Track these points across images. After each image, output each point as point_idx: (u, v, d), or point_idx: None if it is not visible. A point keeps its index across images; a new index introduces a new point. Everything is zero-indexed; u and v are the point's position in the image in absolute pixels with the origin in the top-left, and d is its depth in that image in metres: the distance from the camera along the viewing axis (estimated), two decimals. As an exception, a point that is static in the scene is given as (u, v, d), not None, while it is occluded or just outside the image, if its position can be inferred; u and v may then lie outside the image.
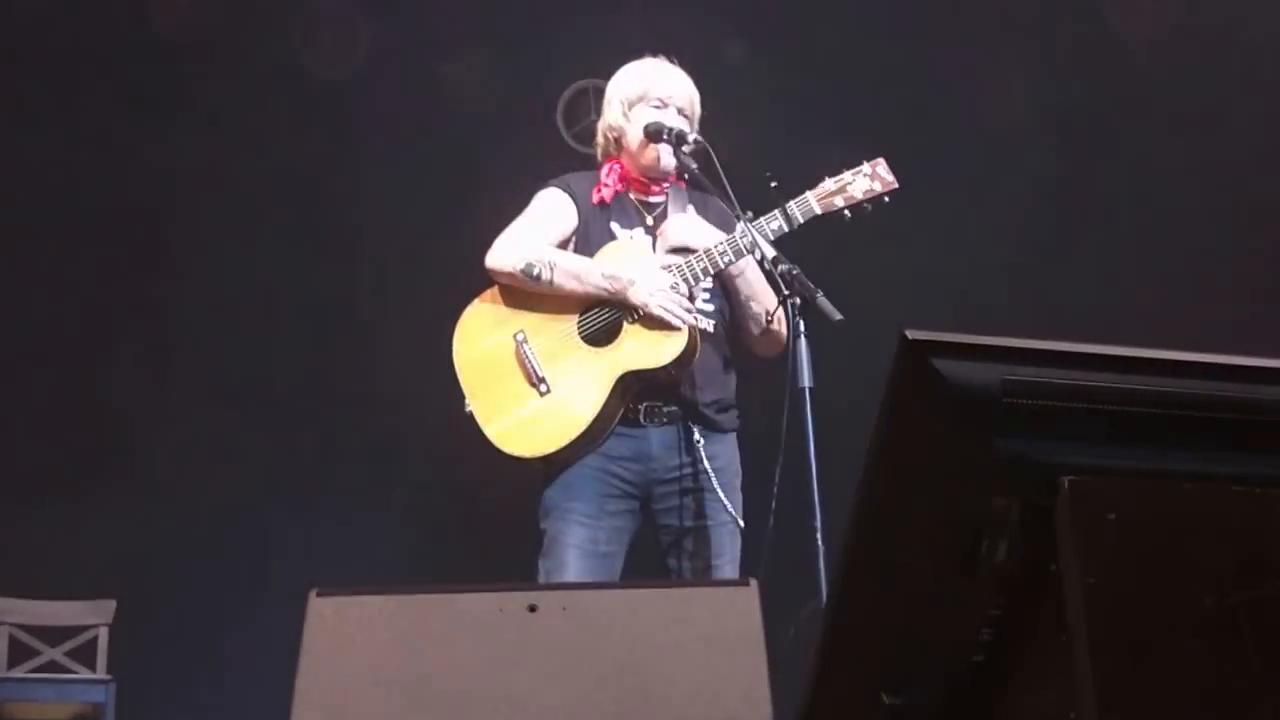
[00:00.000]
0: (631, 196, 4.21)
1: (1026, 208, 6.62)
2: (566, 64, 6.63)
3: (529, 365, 4.02)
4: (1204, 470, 1.47)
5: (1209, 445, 1.49)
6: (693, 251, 4.05)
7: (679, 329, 3.97)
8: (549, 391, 3.99)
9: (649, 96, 4.17)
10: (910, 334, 1.55)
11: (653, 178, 4.20)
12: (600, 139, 4.31)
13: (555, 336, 4.05)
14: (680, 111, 4.16)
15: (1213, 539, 1.45)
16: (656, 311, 3.96)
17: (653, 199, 4.23)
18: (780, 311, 3.91)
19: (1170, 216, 6.53)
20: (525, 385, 4.02)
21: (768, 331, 4.12)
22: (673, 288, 3.98)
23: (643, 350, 3.99)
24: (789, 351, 3.71)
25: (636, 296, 3.97)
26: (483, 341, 4.11)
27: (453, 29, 6.95)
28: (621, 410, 4.01)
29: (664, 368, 3.97)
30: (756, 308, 4.15)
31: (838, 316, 3.60)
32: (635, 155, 4.18)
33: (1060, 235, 6.65)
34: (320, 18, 6.78)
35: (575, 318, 4.07)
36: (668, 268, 4.02)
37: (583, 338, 4.05)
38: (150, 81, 6.77)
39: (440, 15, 6.91)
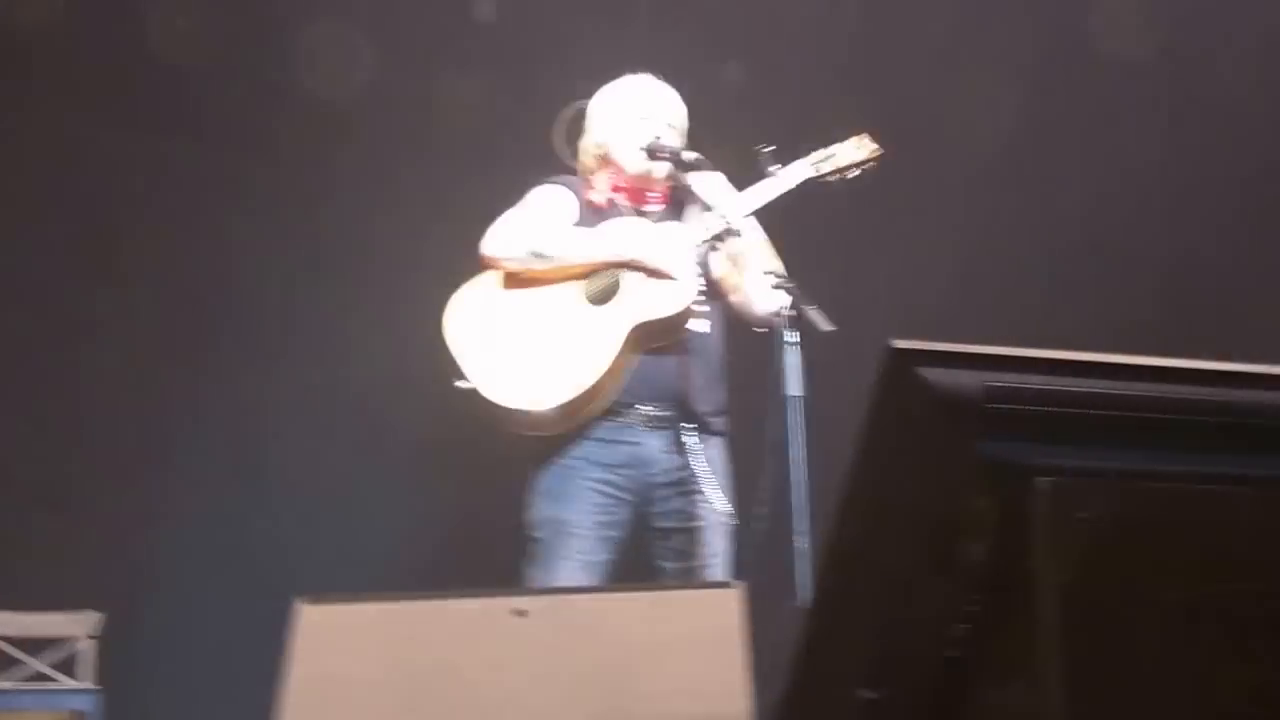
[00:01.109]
0: (625, 203, 4.27)
1: (1012, 220, 6.69)
2: (565, 85, 6.68)
3: (533, 322, 4.04)
4: (1174, 471, 1.52)
5: (1179, 447, 1.54)
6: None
7: (683, 282, 4.02)
8: (556, 345, 4.01)
9: (635, 109, 4.25)
10: (896, 343, 1.61)
11: (642, 189, 4.26)
12: (584, 157, 4.37)
13: (560, 297, 4.08)
14: (667, 123, 4.24)
15: (1181, 537, 1.50)
16: (662, 264, 4.03)
17: (646, 208, 4.28)
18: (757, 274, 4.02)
19: (1154, 226, 6.62)
20: (529, 340, 4.02)
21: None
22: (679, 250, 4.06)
23: (652, 301, 4.03)
24: (779, 360, 3.77)
25: (644, 253, 4.04)
26: (479, 307, 4.11)
27: (452, 51, 7.01)
28: (628, 370, 4.02)
29: (673, 317, 4.01)
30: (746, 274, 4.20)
31: (827, 327, 3.68)
32: (624, 167, 4.25)
33: (1043, 245, 6.73)
34: (321, 39, 6.85)
35: (580, 280, 4.10)
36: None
37: (588, 298, 4.09)
38: (150, 100, 6.81)
39: (439, 37, 6.96)
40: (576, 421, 4.00)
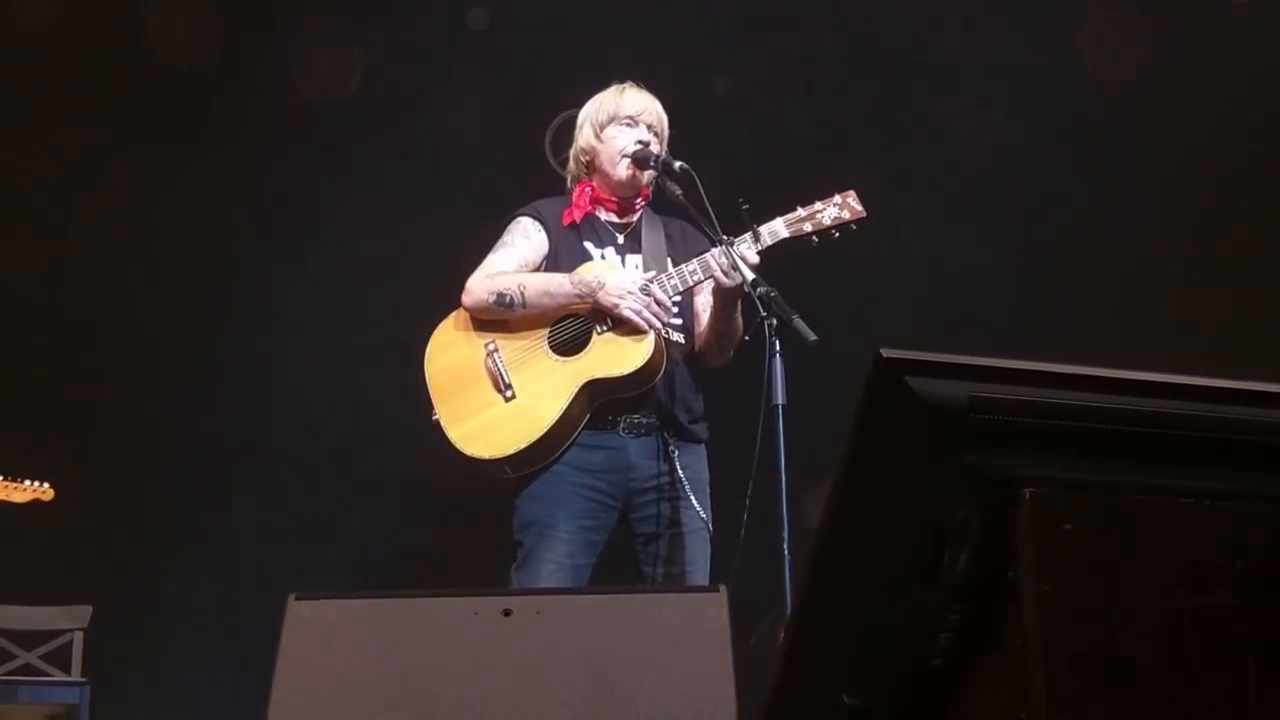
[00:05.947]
0: (602, 216, 4.30)
1: (993, 233, 6.75)
2: (555, 95, 6.72)
3: (496, 372, 4.11)
4: (1156, 484, 1.53)
5: (1161, 460, 1.55)
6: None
7: (646, 337, 4.04)
8: (514, 397, 4.08)
9: (620, 116, 4.29)
10: (884, 351, 1.61)
11: (625, 196, 4.29)
12: (572, 164, 4.41)
13: (524, 346, 4.15)
14: (650, 128, 4.26)
15: (1162, 549, 1.51)
16: (625, 314, 4.04)
17: (624, 218, 4.32)
18: (711, 323, 4.15)
19: (1137, 241, 6.67)
20: (491, 391, 4.11)
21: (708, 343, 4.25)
22: (643, 290, 4.05)
23: (607, 358, 4.07)
24: (764, 369, 3.79)
25: (606, 298, 4.05)
26: (453, 351, 4.21)
27: (445, 59, 7.03)
28: (586, 418, 4.08)
29: (627, 376, 4.03)
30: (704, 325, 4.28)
31: (813, 337, 3.70)
32: (608, 175, 4.28)
33: (1025, 258, 6.78)
34: (317, 46, 6.88)
35: (546, 329, 4.16)
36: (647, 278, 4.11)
37: (552, 347, 4.13)
38: (150, 105, 6.83)
39: (433, 46, 6.99)
40: (531, 467, 4.07)
